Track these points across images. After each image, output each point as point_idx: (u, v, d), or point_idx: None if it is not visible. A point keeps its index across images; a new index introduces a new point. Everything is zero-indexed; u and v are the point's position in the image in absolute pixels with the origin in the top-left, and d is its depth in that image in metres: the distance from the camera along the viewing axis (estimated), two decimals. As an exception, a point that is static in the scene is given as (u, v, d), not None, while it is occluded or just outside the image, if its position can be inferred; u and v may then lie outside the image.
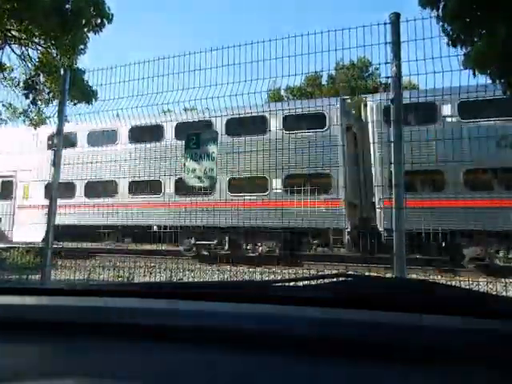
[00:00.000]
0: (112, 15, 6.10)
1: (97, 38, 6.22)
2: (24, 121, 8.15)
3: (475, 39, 3.84)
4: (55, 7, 5.36)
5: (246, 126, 9.94)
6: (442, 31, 3.81)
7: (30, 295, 1.08)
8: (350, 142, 10.17)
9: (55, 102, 7.10)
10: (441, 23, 3.83)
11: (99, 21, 5.99)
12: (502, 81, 3.93)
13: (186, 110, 9.13)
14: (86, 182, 11.39)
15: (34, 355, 0.77)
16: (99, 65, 5.61)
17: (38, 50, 7.02)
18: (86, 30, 5.97)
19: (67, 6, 5.57)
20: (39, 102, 7.57)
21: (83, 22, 5.77)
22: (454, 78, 3.34)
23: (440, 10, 3.83)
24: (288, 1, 45.64)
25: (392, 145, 3.36)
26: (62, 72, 5.23)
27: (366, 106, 10.16)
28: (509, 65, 3.67)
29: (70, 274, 7.39)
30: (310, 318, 0.78)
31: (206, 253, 10.71)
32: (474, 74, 3.75)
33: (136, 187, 11.47)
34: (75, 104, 6.42)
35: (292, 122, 9.94)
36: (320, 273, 5.72)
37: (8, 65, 7.63)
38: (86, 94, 6.52)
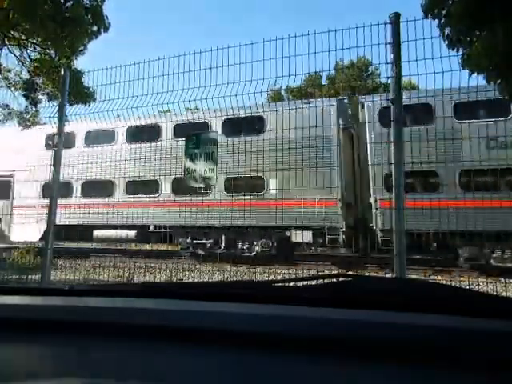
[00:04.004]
0: (109, 24, 6.14)
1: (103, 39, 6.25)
2: (19, 122, 8.17)
3: (474, 40, 3.86)
4: (53, 15, 5.36)
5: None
6: (442, 36, 3.82)
7: (29, 295, 1.08)
8: (347, 142, 10.24)
9: (50, 103, 7.12)
10: (440, 28, 3.85)
11: (95, 28, 6.03)
12: (499, 82, 3.94)
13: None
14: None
15: (34, 355, 0.78)
16: (106, 64, 5.65)
17: (36, 50, 7.03)
18: (81, 36, 5.99)
19: (65, 15, 5.58)
20: (38, 103, 7.60)
21: (79, 29, 5.78)
22: (454, 78, 3.35)
23: (442, 17, 3.84)
24: (289, 1, 45.68)
25: (392, 145, 3.36)
26: (62, 72, 5.23)
27: (363, 106, 10.14)
28: (506, 65, 3.67)
29: (69, 273, 7.40)
30: (310, 318, 0.78)
31: (202, 252, 10.80)
32: (471, 74, 3.76)
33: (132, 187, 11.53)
34: (71, 105, 6.42)
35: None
36: (320, 273, 5.72)
37: (5, 66, 7.65)
38: (84, 95, 6.54)
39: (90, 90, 6.66)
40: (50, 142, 11.49)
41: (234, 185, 10.03)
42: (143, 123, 9.67)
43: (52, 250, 4.69)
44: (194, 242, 10.73)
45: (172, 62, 4.52)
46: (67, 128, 6.48)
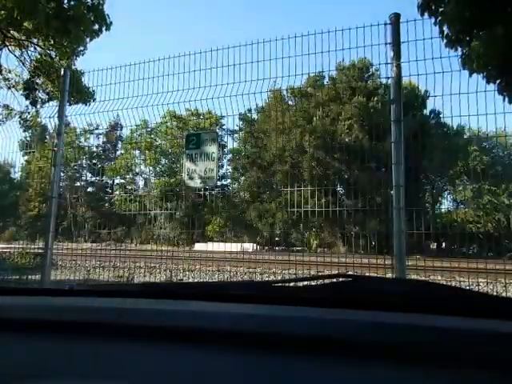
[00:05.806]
0: (111, 23, 6.17)
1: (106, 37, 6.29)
2: (20, 122, 8.17)
3: (473, 40, 3.86)
4: (57, 14, 5.39)
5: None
6: (441, 35, 3.83)
7: (29, 295, 1.08)
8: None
9: (51, 103, 7.13)
10: (438, 26, 3.86)
11: (97, 27, 6.05)
12: (499, 81, 3.94)
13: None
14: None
15: (34, 355, 0.77)
16: (105, 65, 5.70)
17: (36, 50, 7.06)
18: (84, 35, 6.03)
19: (68, 13, 5.61)
20: (38, 103, 7.62)
21: (82, 28, 5.82)
22: (454, 78, 3.35)
23: (438, 14, 3.85)
24: (289, 1, 45.68)
25: (392, 145, 3.37)
26: (62, 72, 5.24)
27: None
28: (506, 65, 3.67)
29: (69, 274, 7.40)
30: (310, 318, 0.78)
31: None
32: (471, 74, 3.76)
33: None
34: (70, 104, 6.42)
35: None
36: (320, 273, 5.72)
37: (6, 67, 7.65)
38: (84, 94, 6.55)
39: (90, 89, 6.68)
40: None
41: None
42: None
43: (52, 250, 4.68)
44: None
45: (172, 62, 4.52)
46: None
